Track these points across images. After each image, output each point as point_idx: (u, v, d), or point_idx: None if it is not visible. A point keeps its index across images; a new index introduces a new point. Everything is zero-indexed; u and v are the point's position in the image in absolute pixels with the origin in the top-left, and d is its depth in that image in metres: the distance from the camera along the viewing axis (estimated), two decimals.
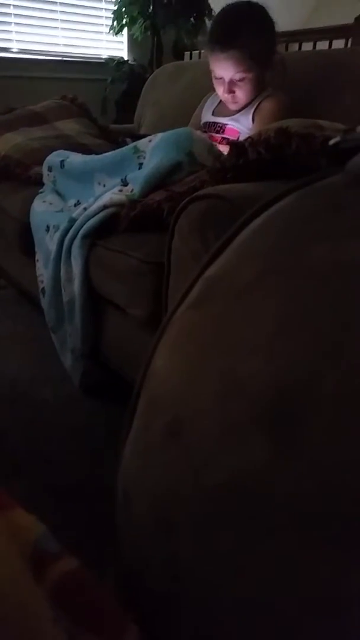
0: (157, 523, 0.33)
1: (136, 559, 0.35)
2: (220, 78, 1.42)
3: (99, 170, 1.29)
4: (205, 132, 1.57)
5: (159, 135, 1.22)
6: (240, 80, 1.39)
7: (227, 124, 1.51)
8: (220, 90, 1.45)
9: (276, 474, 0.28)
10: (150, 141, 1.23)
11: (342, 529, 0.24)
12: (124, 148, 1.30)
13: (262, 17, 1.39)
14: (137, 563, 0.35)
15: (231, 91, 1.42)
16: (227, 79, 1.41)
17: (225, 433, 0.32)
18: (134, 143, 1.26)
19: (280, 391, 0.30)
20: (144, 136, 1.38)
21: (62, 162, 1.37)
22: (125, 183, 1.21)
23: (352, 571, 0.24)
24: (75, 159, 1.36)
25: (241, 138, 1.45)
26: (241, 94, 1.43)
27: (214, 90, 1.57)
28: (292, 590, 0.25)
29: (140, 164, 1.22)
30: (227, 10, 1.46)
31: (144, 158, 1.21)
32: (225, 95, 1.44)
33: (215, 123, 1.55)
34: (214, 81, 1.46)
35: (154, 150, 1.19)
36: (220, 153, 1.28)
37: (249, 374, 0.32)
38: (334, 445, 0.27)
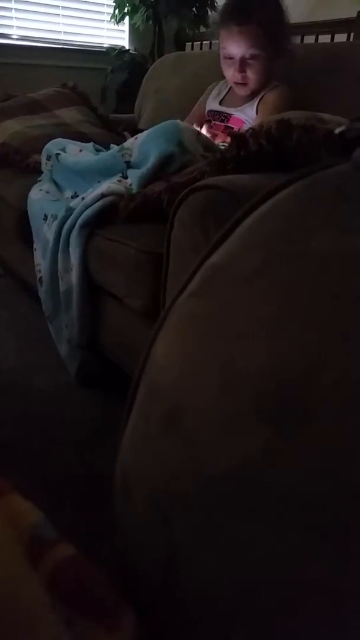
0: (155, 512, 0.33)
1: (134, 548, 0.35)
2: (232, 58, 1.40)
3: (90, 171, 1.29)
4: (209, 120, 1.56)
5: (145, 132, 1.22)
6: (252, 58, 1.37)
7: (232, 114, 1.50)
8: (231, 72, 1.43)
9: (277, 464, 0.28)
10: (136, 139, 1.23)
11: (344, 519, 0.24)
12: (109, 151, 1.30)
13: (278, 1, 1.39)
14: (135, 552, 0.35)
15: (242, 70, 1.40)
16: (239, 56, 1.38)
17: (225, 422, 0.31)
18: (121, 145, 1.27)
19: (282, 381, 0.30)
20: (144, 131, 1.38)
21: (57, 155, 1.36)
22: (125, 176, 1.21)
23: (353, 561, 0.23)
24: (69, 157, 1.35)
25: (245, 129, 1.44)
26: (252, 75, 1.40)
27: (219, 79, 1.55)
28: (293, 580, 0.25)
29: (127, 162, 1.22)
30: None
31: (130, 155, 1.21)
32: (237, 74, 1.41)
33: (220, 112, 1.53)
34: (224, 63, 1.44)
35: (142, 145, 1.19)
36: (209, 140, 1.28)
37: (249, 365, 0.32)
38: (335, 435, 0.27)
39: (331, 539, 0.24)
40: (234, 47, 1.38)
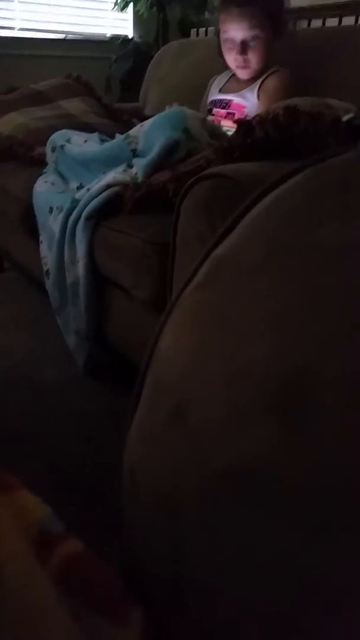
0: (162, 507, 0.33)
1: (141, 543, 0.35)
2: (232, 41, 1.40)
3: (95, 161, 1.28)
4: (210, 109, 1.55)
5: (150, 119, 1.21)
6: (253, 39, 1.38)
7: (232, 100, 1.50)
8: (232, 55, 1.43)
9: (284, 458, 0.27)
10: (142, 126, 1.22)
11: (355, 515, 0.24)
12: (114, 140, 1.30)
13: None
14: (142, 547, 0.35)
15: (244, 52, 1.40)
16: (239, 38, 1.39)
17: (232, 416, 0.31)
18: (126, 133, 1.26)
19: (288, 373, 0.29)
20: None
21: (62, 146, 1.35)
22: (130, 165, 1.20)
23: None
24: (74, 148, 1.34)
25: (247, 113, 1.43)
26: (253, 57, 1.41)
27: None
28: (300, 577, 0.25)
29: (134, 150, 1.21)
30: None
31: (136, 143, 1.21)
32: (238, 57, 1.42)
33: (221, 100, 1.53)
34: (224, 48, 1.44)
35: (147, 133, 1.19)
36: (215, 125, 1.27)
37: (257, 356, 0.31)
38: (342, 429, 0.27)
39: (342, 537, 0.24)
40: (235, 29, 1.39)
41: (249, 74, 1.45)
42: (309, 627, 0.24)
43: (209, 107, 1.56)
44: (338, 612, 0.23)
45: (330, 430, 0.27)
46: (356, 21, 2.57)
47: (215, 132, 1.22)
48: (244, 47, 1.39)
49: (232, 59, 1.44)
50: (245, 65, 1.43)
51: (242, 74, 1.47)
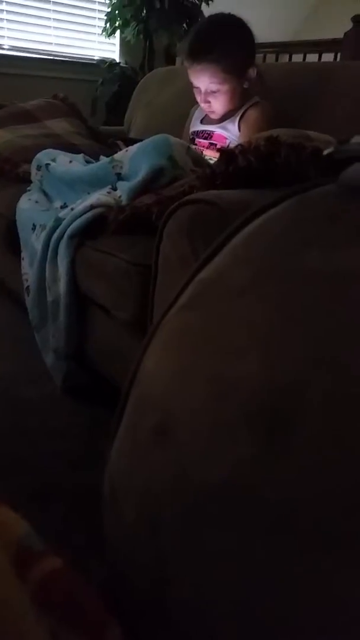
0: (144, 523, 0.33)
1: (122, 559, 0.35)
2: (198, 87, 1.46)
3: (80, 182, 1.30)
4: (192, 138, 1.59)
5: (136, 145, 1.24)
6: (215, 91, 1.43)
7: (214, 131, 1.54)
8: (198, 99, 1.51)
9: (266, 476, 0.28)
10: (127, 151, 1.24)
11: (334, 529, 0.25)
12: (99, 162, 1.31)
13: (240, 31, 1.42)
14: (123, 563, 0.35)
15: (207, 101, 1.46)
16: (202, 89, 1.45)
17: (214, 434, 0.32)
18: (111, 156, 1.28)
19: (271, 394, 0.30)
20: (137, 140, 1.39)
21: (47, 165, 1.37)
22: (114, 188, 1.22)
23: (342, 572, 0.24)
24: (59, 167, 1.36)
25: (228, 144, 1.47)
26: (217, 105, 1.47)
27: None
28: (281, 591, 0.25)
29: (118, 174, 1.23)
30: (203, 23, 1.51)
31: (121, 168, 1.23)
32: (202, 104, 1.49)
33: (203, 131, 1.57)
34: (194, 89, 1.50)
35: (132, 158, 1.21)
36: (199, 154, 1.30)
37: (240, 377, 0.32)
38: (323, 448, 0.28)
39: (321, 550, 0.25)
40: (195, 81, 1.45)
41: (217, 116, 1.51)
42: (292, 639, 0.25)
43: (191, 137, 1.60)
44: (326, 626, 0.24)
45: (311, 449, 0.28)
46: (335, 58, 2.68)
47: (199, 160, 1.25)
48: (206, 95, 1.45)
49: (199, 100, 1.50)
50: (210, 110, 1.49)
51: (211, 115, 1.53)
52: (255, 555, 0.26)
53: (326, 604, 0.24)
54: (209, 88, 1.43)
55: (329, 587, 0.25)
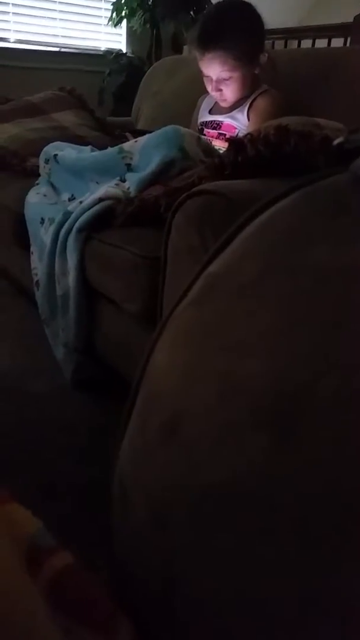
0: (153, 521, 0.33)
1: (132, 557, 0.35)
2: (208, 76, 1.44)
3: (90, 170, 1.29)
4: (201, 128, 1.57)
5: (146, 135, 1.23)
6: (227, 79, 1.41)
7: (223, 121, 1.52)
8: (209, 88, 1.48)
9: (275, 474, 0.28)
10: (136, 141, 1.23)
11: (343, 530, 0.25)
12: (108, 150, 1.30)
13: (249, 16, 1.40)
14: (133, 561, 0.35)
15: (218, 89, 1.44)
16: (214, 77, 1.42)
17: (224, 431, 0.31)
18: (119, 145, 1.26)
19: (280, 391, 0.30)
20: (144, 132, 1.38)
21: (55, 156, 1.36)
22: (123, 180, 1.21)
23: (351, 571, 0.24)
24: (68, 155, 1.35)
25: (237, 133, 1.46)
26: (228, 93, 1.45)
27: (207, 91, 1.58)
28: (291, 590, 0.25)
29: (128, 165, 1.22)
30: (211, 11, 1.48)
31: (131, 159, 1.22)
32: (214, 93, 1.47)
33: (212, 121, 1.55)
34: (204, 78, 1.47)
35: (143, 149, 1.20)
36: (209, 144, 1.29)
37: (249, 374, 0.32)
38: (333, 445, 0.28)
39: (329, 551, 0.25)
40: (205, 70, 1.43)
41: (228, 104, 1.49)
42: (304, 638, 0.24)
43: (200, 128, 1.58)
44: (334, 623, 0.24)
45: (320, 448, 0.28)
46: (344, 43, 2.64)
47: (210, 151, 1.24)
48: (217, 83, 1.43)
49: (210, 89, 1.48)
50: (222, 98, 1.47)
51: (222, 104, 1.51)
52: (265, 554, 0.26)
53: (341, 604, 0.24)
54: (220, 76, 1.40)
55: (345, 587, 0.25)
